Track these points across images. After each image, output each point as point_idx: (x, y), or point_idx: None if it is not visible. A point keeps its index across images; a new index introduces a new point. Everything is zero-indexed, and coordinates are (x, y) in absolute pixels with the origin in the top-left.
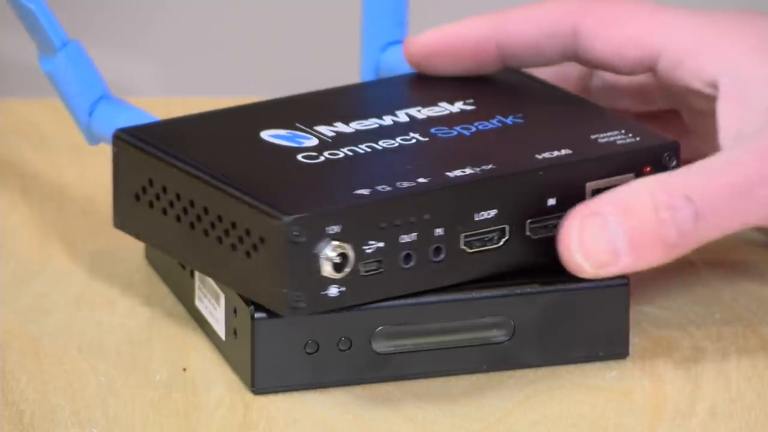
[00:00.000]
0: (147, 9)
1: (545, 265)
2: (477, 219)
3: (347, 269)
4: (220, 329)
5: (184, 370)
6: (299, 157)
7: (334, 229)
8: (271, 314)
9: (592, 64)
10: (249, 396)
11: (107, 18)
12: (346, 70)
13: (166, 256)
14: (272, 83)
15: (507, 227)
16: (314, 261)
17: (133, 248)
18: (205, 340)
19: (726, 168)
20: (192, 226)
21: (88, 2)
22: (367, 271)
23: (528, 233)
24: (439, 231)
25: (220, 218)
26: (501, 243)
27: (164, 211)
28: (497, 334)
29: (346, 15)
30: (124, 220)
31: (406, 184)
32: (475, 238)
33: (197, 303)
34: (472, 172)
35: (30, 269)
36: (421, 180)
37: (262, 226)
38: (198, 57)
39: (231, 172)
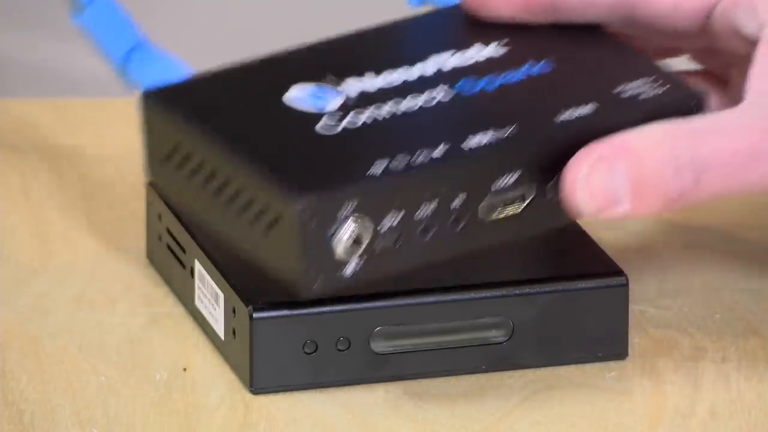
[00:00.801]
0: (147, 9)
1: (544, 265)
2: (496, 186)
3: (362, 248)
4: (220, 329)
5: (185, 370)
6: (318, 128)
7: (348, 208)
8: (270, 314)
9: (646, 20)
10: (249, 396)
11: None
12: None
13: (166, 256)
14: None
15: (527, 192)
16: (328, 241)
17: (133, 248)
18: (205, 340)
19: (738, 131)
20: (215, 195)
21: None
22: (383, 248)
23: (548, 197)
24: (457, 201)
25: (237, 193)
26: (521, 209)
27: (190, 176)
28: (496, 335)
29: (347, 15)
30: (155, 176)
31: (422, 158)
32: (494, 205)
33: (197, 303)
34: (492, 138)
35: (30, 269)
36: (439, 150)
37: (275, 207)
38: (198, 57)
39: (249, 145)
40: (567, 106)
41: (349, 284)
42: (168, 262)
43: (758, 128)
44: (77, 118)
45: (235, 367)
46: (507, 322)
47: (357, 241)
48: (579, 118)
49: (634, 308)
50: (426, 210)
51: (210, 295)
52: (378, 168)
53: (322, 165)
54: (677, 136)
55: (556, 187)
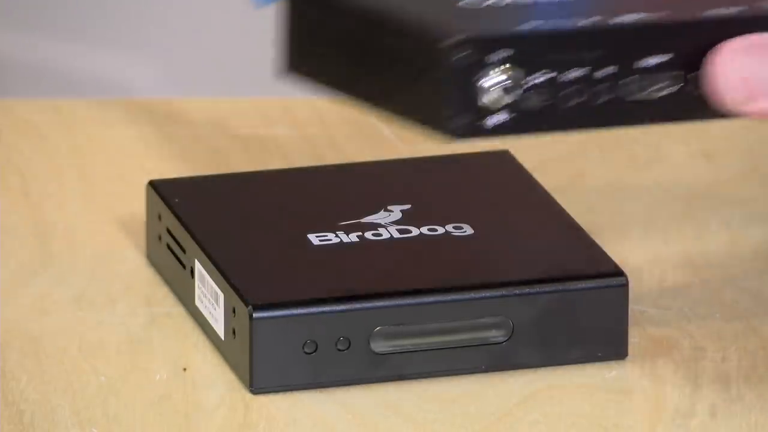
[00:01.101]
0: (147, 9)
1: (544, 265)
2: (643, 65)
3: (508, 100)
4: (220, 329)
5: (184, 370)
6: (461, 3)
7: (500, 55)
8: (270, 314)
9: None
10: (249, 396)
11: (108, 18)
12: None
13: (166, 256)
14: (273, 83)
15: (672, 79)
16: (476, 86)
17: (133, 248)
18: (205, 340)
19: None
20: (362, 54)
21: (88, 2)
22: (527, 106)
23: (692, 87)
24: (603, 72)
25: (392, 41)
26: (662, 94)
27: (337, 45)
28: (496, 335)
29: None
30: (294, 63)
31: (574, 24)
32: (638, 85)
33: (197, 303)
34: (645, 17)
35: (30, 269)
36: (592, 20)
37: (427, 47)
38: (198, 57)
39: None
40: (721, 3)
41: (488, 135)
42: (168, 262)
43: None
44: (77, 118)
45: (235, 367)
46: (507, 322)
47: (505, 91)
48: (729, 16)
49: (634, 308)
50: (573, 74)
51: (210, 295)
52: (532, 25)
53: (475, 14)
54: None
55: (701, 79)
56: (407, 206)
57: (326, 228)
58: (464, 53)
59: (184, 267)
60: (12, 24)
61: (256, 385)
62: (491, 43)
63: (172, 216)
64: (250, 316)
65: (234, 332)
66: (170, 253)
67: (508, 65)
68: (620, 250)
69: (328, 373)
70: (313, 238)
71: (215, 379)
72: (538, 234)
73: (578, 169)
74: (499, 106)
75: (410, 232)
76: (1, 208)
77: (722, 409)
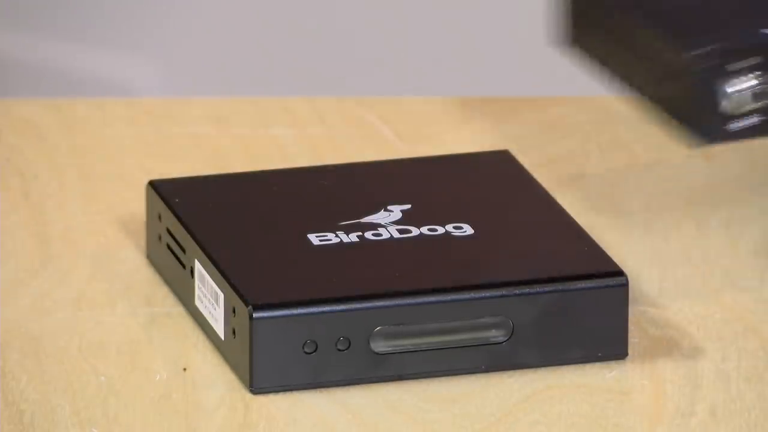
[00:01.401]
0: (148, 9)
1: (544, 265)
2: None
3: (755, 106)
4: (220, 329)
5: (184, 370)
6: None
7: (745, 63)
8: (270, 314)
9: None
10: (249, 396)
11: (108, 18)
12: (347, 70)
13: (166, 256)
14: (273, 83)
15: None
16: (723, 94)
17: (133, 248)
18: (205, 340)
19: None
20: (637, 56)
21: (89, 2)
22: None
23: None
24: None
25: (655, 53)
26: None
27: (615, 42)
28: (496, 334)
29: (347, 15)
30: (575, 36)
31: None
32: None
33: (197, 303)
34: None
35: (30, 269)
36: None
37: (677, 56)
38: (198, 57)
39: (673, 21)
40: None
41: (731, 139)
42: (168, 262)
43: None
44: (77, 118)
45: (235, 367)
46: (507, 322)
47: (753, 97)
48: None
49: (634, 308)
50: None
51: (210, 295)
52: None
53: (712, 19)
54: None
55: None
56: (407, 206)
57: (326, 228)
58: (710, 63)
59: (183, 267)
60: (12, 24)
61: (256, 385)
62: (735, 53)
63: (172, 216)
64: (251, 316)
65: (234, 332)
66: (170, 253)
67: (753, 72)
68: (620, 250)
69: (328, 373)
70: (313, 238)
71: (215, 379)
72: (538, 234)
73: (578, 169)
74: (746, 111)
75: (410, 232)
76: (1, 208)
77: (722, 409)
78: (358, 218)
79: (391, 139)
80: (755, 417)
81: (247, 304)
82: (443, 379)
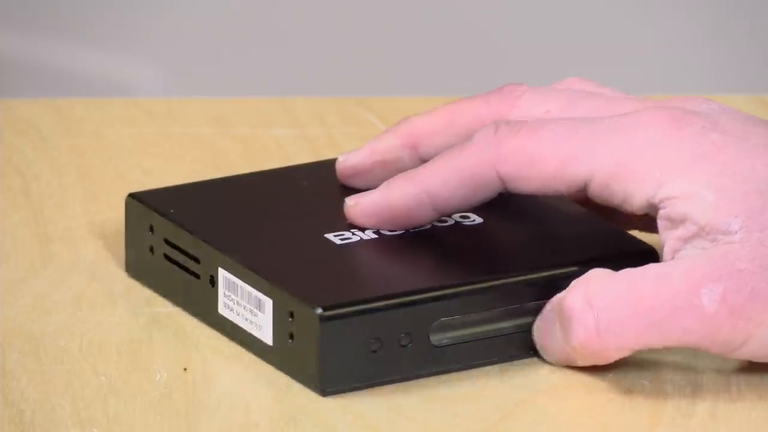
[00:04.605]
0: (148, 9)
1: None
2: None
3: None
4: (265, 335)
5: (185, 370)
6: None
7: None
8: (338, 312)
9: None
10: (249, 396)
11: (108, 18)
12: (347, 70)
13: (163, 267)
14: (273, 83)
15: None
16: None
17: None
18: (206, 340)
19: (639, 299)
20: None
21: (89, 2)
22: None
23: None
24: None
25: None
26: None
27: None
28: None
29: (347, 15)
30: None
31: None
32: None
33: (222, 311)
34: None
35: (30, 269)
36: None
37: None
38: (198, 57)
39: None
40: None
41: None
42: (167, 273)
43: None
44: (77, 118)
45: (291, 372)
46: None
47: None
48: None
49: None
50: None
51: (246, 302)
52: None
53: None
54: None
55: None
56: None
57: (339, 226)
58: None
59: (197, 276)
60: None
61: (325, 387)
62: None
63: (173, 226)
64: (320, 317)
65: (291, 336)
66: (172, 264)
67: None
68: None
69: (391, 370)
70: (333, 238)
71: (215, 379)
72: (553, 220)
73: None
74: None
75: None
76: (1, 208)
77: (722, 409)
78: None
79: None
80: (755, 417)
81: (314, 306)
82: (443, 379)
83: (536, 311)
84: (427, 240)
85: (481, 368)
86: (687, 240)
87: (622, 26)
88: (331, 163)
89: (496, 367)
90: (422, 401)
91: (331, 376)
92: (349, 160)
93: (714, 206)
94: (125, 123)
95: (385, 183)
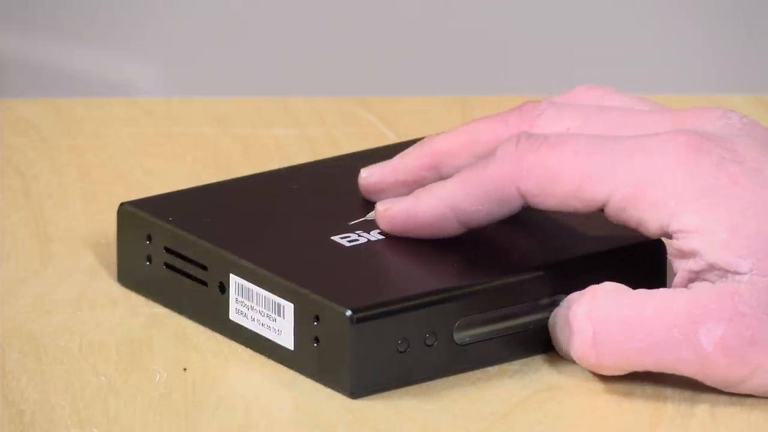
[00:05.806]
0: (148, 9)
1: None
2: None
3: None
4: (285, 340)
5: (185, 370)
6: None
7: None
8: (368, 314)
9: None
10: (249, 396)
11: (109, 18)
12: (347, 70)
13: (164, 275)
14: (273, 83)
15: None
16: None
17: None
18: (206, 341)
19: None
20: None
21: (89, 2)
22: None
23: None
24: None
25: None
26: None
27: None
28: None
29: (347, 15)
30: None
31: None
32: None
33: (234, 317)
34: None
35: (30, 269)
36: None
37: None
38: (198, 57)
39: None
40: None
41: None
42: (168, 281)
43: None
44: (77, 118)
45: (316, 375)
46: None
47: None
48: None
49: None
50: None
51: (264, 308)
52: None
53: None
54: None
55: None
56: None
57: (343, 228)
58: None
59: (205, 284)
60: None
61: (355, 390)
62: None
63: (175, 233)
64: (351, 320)
65: (317, 340)
66: (174, 272)
67: None
68: None
69: (418, 369)
70: (340, 240)
71: (215, 379)
72: (572, 214)
73: None
74: None
75: None
76: (1, 208)
77: (722, 409)
78: (363, 215)
79: (391, 139)
80: (755, 417)
81: (343, 309)
82: (443, 378)
83: (555, 306)
84: (435, 240)
85: (481, 369)
86: (696, 272)
87: (622, 26)
88: (326, 162)
89: (496, 368)
90: (422, 401)
91: (362, 378)
92: (372, 176)
93: (725, 245)
94: (125, 123)
95: (415, 193)
